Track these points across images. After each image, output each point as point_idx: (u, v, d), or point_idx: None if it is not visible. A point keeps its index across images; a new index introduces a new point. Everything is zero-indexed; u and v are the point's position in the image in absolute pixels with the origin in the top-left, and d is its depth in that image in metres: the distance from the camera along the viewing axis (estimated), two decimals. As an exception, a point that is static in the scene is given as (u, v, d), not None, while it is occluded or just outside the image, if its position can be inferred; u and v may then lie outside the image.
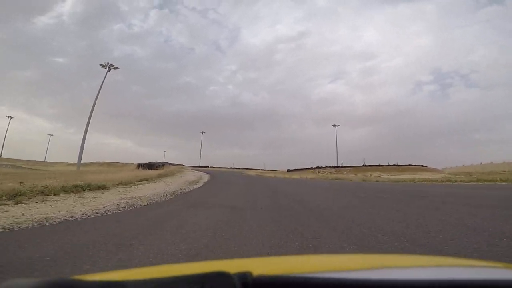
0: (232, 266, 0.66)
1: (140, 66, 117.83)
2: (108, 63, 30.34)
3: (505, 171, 27.12)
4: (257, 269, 0.46)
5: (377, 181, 23.45)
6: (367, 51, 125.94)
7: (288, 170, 50.49)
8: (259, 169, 62.78)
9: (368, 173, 37.20)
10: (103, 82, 29.80)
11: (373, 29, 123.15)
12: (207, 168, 61.83)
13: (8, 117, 61.12)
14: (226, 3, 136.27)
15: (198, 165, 66.51)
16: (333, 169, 46.25)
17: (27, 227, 3.66)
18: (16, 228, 3.57)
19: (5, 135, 58.28)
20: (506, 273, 0.65)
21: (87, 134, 27.64)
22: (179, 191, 9.65)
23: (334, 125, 59.66)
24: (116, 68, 31.08)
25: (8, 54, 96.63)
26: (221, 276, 0.38)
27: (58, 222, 4.09)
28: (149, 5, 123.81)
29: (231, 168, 71.25)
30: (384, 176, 33.43)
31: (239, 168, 68.77)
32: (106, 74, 30.08)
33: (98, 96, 29.09)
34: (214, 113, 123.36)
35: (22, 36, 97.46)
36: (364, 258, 1.21)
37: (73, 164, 35.91)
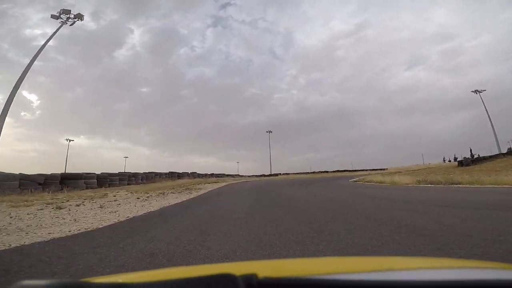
0: (237, 268, 0.66)
1: (211, 85, 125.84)
2: (61, 10, 17.28)
3: None
4: (262, 271, 0.45)
5: None
6: (443, 32, 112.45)
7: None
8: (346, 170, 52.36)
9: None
10: (51, 37, 17.03)
11: (443, 10, 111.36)
12: (277, 176, 45.48)
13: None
14: (272, 10, 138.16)
15: (269, 173, 51.17)
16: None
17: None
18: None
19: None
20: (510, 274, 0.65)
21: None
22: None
23: (476, 91, 44.56)
24: (77, 18, 17.79)
25: (106, 88, 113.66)
26: (226, 278, 0.38)
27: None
28: (204, 25, 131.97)
29: (308, 173, 53.07)
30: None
31: (324, 172, 49.36)
32: (59, 28, 16.96)
33: (38, 56, 16.58)
34: (282, 120, 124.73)
35: (112, 71, 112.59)
36: (369, 260, 1.16)
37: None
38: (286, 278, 0.47)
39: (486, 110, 47.60)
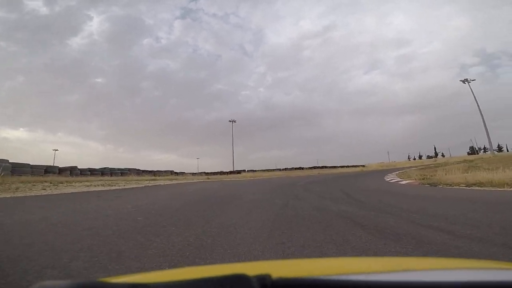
0: (251, 268, 0.67)
1: (175, 78, 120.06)
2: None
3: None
4: (276, 271, 0.44)
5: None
6: (400, 38, 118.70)
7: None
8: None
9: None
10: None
11: (402, 16, 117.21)
12: (241, 173, 33.13)
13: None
14: (245, 6, 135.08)
15: (232, 170, 40.37)
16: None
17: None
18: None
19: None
20: None
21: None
22: None
23: (464, 81, 41.49)
24: None
25: (54, 79, 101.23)
26: (240, 279, 0.37)
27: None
28: (172, 16, 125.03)
29: (273, 170, 42.63)
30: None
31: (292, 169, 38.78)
32: None
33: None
34: (248, 117, 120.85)
35: (62, 59, 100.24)
36: (383, 261, 1.14)
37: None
38: (300, 278, 0.46)
39: (478, 106, 43.26)
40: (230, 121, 59.71)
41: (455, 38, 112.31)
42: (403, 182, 11.56)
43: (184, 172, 38.07)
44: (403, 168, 30.03)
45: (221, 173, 41.84)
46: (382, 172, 25.23)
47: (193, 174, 39.77)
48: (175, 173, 35.05)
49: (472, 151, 69.59)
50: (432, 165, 27.77)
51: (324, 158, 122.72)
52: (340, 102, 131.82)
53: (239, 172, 40.15)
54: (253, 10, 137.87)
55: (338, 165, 49.68)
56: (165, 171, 33.53)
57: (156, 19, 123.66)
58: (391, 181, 13.01)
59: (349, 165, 51.32)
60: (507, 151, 60.86)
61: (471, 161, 25.03)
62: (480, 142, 79.56)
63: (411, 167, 31.65)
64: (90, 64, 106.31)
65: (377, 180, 13.98)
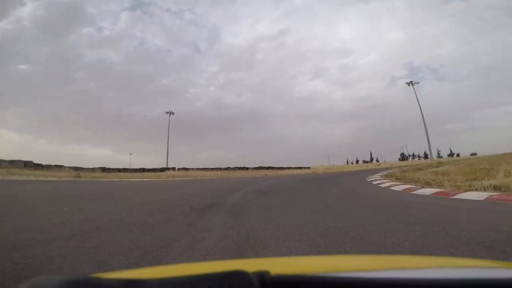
0: (249, 265, 0.65)
1: (116, 71, 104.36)
2: None
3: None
4: (274, 268, 0.43)
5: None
6: (344, 48, 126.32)
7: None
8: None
9: None
10: None
11: (348, 26, 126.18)
12: (164, 172, 25.58)
13: None
14: (203, 4, 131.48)
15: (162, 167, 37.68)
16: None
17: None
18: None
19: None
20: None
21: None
22: None
23: (409, 83, 44.96)
24: None
25: None
26: (239, 275, 0.37)
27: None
28: (120, 7, 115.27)
29: (213, 169, 36.35)
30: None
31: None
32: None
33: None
34: (196, 116, 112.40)
35: None
36: (381, 258, 1.16)
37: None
38: (299, 275, 0.45)
39: (421, 111, 44.18)
40: (167, 112, 49.98)
41: (390, 51, 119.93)
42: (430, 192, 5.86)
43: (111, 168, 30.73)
44: (359, 171, 26.28)
45: (143, 170, 32.48)
46: (344, 176, 20.40)
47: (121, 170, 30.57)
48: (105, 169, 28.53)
49: (403, 157, 74.84)
50: (405, 168, 24.43)
51: (270, 160, 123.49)
52: (287, 106, 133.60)
53: (162, 170, 31.36)
54: (211, 9, 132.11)
55: (285, 167, 45.29)
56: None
57: (100, 9, 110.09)
58: (399, 190, 7.33)
59: (295, 166, 47.65)
60: (441, 157, 66.27)
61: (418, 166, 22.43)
62: (410, 149, 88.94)
63: (365, 170, 28.42)
64: (12, 50, 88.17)
65: (394, 195, 8.16)
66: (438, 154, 71.47)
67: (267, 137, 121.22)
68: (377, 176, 14.62)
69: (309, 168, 49.42)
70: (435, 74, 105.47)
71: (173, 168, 33.72)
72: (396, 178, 11.09)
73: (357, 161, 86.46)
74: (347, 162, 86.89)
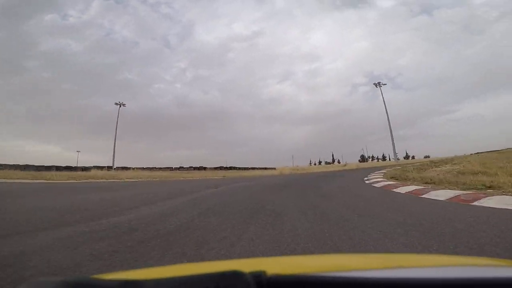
0: (246, 265, 0.64)
1: (74, 61, 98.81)
2: None
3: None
4: (271, 268, 0.44)
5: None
6: (313, 53, 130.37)
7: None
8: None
9: None
10: None
11: (321, 32, 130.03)
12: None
13: None
14: None
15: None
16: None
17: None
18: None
19: None
20: None
21: None
22: None
23: (377, 84, 46.31)
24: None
25: None
26: (235, 275, 0.37)
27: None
28: None
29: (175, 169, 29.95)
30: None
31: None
32: None
33: None
34: (158, 113, 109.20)
35: None
36: (379, 257, 1.15)
37: None
38: (295, 275, 0.45)
39: (387, 112, 43.77)
40: (116, 103, 42.25)
41: (354, 59, 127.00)
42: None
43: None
44: (336, 173, 23.09)
45: (56, 168, 25.32)
46: (324, 179, 16.56)
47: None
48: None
49: (363, 159, 76.27)
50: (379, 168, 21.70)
51: (234, 160, 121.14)
52: (254, 107, 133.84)
53: (84, 169, 24.73)
54: (191, 4, 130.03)
55: (249, 167, 41.13)
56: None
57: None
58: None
59: (260, 167, 43.83)
60: (399, 159, 68.65)
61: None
62: (369, 151, 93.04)
63: (339, 171, 25.50)
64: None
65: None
66: (362, 156, 75.11)
67: (232, 137, 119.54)
68: (378, 177, 11.01)
69: (274, 169, 46.24)
70: (392, 82, 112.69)
71: (109, 168, 27.03)
72: (415, 181, 7.40)
73: (319, 162, 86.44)
74: (310, 163, 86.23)
